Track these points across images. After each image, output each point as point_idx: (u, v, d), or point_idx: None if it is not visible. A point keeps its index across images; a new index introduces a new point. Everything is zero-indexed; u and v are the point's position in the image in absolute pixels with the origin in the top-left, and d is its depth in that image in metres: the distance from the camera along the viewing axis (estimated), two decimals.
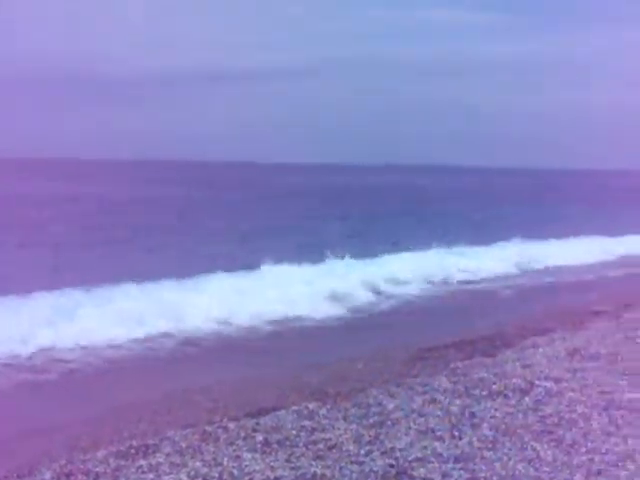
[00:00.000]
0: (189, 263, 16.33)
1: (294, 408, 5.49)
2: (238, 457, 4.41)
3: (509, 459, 4.30)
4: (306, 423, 5.06)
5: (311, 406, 5.50)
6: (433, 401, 5.54)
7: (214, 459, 4.40)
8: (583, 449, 4.38)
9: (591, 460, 4.20)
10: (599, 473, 4.03)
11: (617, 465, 4.11)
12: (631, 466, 4.08)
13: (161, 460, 4.42)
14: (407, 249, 18.62)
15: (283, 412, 5.40)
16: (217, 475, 4.16)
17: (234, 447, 4.61)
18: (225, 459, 4.38)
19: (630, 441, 4.43)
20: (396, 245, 20.46)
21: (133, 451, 4.66)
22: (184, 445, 4.70)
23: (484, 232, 24.10)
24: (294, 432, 4.86)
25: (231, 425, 5.13)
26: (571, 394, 5.51)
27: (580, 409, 5.12)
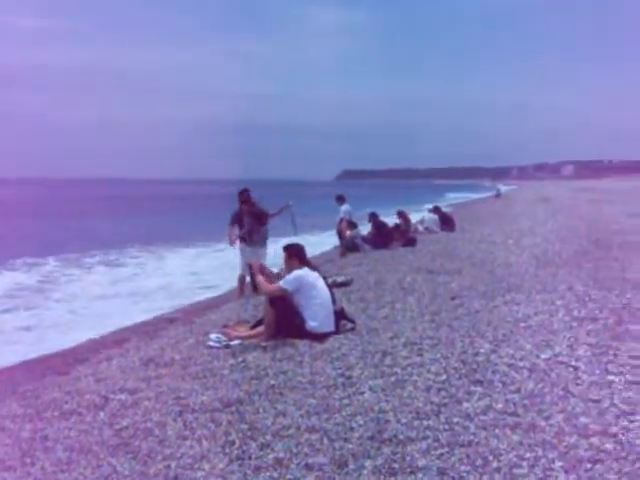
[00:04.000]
0: None
1: None
2: None
3: (85, 478, 4.41)
4: None
5: None
6: (2, 429, 5.39)
7: None
8: (159, 457, 4.66)
9: (168, 467, 4.49)
10: (176, 478, 4.34)
11: (193, 468, 4.47)
12: (206, 466, 4.48)
13: None
14: None
15: None
16: None
17: None
18: None
19: (205, 442, 4.86)
20: None
21: None
22: None
23: None
24: None
25: None
26: (147, 403, 5.80)
27: (156, 417, 5.43)
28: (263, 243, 13.30)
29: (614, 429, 4.72)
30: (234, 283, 13.56)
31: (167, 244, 26.90)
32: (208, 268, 20.31)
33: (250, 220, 13.08)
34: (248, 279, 12.63)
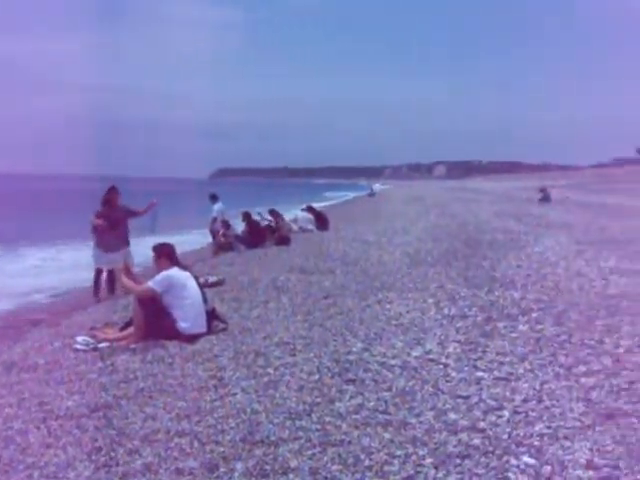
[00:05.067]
0: None
1: None
2: None
3: None
4: None
5: None
6: None
7: None
8: (21, 466, 4.49)
9: (30, 476, 4.34)
10: None
11: (57, 476, 4.31)
12: (72, 474, 4.33)
13: None
14: None
15: None
16: None
17: None
18: None
19: (70, 450, 4.71)
20: None
21: None
22: None
23: None
24: None
25: None
26: (8, 410, 5.58)
27: (17, 425, 5.23)
28: (121, 245, 13.03)
29: (482, 424, 4.91)
30: (87, 284, 13.38)
31: (15, 243, 25.25)
32: (57, 268, 19.65)
33: (108, 222, 12.79)
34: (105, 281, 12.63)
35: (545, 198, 38.88)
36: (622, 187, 65.08)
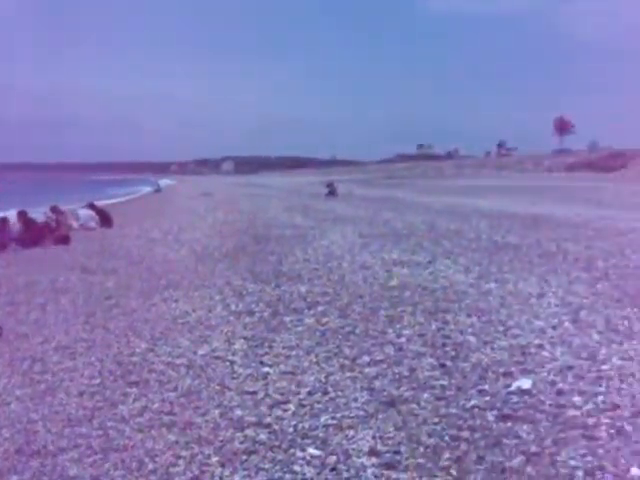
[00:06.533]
0: None
1: None
2: None
3: None
4: None
5: None
6: None
7: None
8: None
9: None
10: None
11: None
12: None
13: None
14: None
15: None
16: None
17: None
18: None
19: None
20: None
21: None
22: None
23: None
24: None
25: None
26: None
27: None
28: None
29: (268, 419, 5.00)
30: None
31: None
32: None
33: None
34: None
35: (332, 193, 40.14)
36: (405, 182, 68.66)
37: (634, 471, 3.99)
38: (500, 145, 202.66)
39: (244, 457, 4.40)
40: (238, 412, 5.15)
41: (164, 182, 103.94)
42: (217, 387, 5.73)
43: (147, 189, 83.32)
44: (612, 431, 4.53)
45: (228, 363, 6.38)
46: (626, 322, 7.22)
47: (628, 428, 4.56)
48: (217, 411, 5.19)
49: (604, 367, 5.81)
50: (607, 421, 4.70)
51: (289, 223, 21.38)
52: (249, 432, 4.78)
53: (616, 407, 4.93)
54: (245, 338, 7.24)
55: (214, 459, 4.39)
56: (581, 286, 9.25)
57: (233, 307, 8.78)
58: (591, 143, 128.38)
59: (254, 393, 5.55)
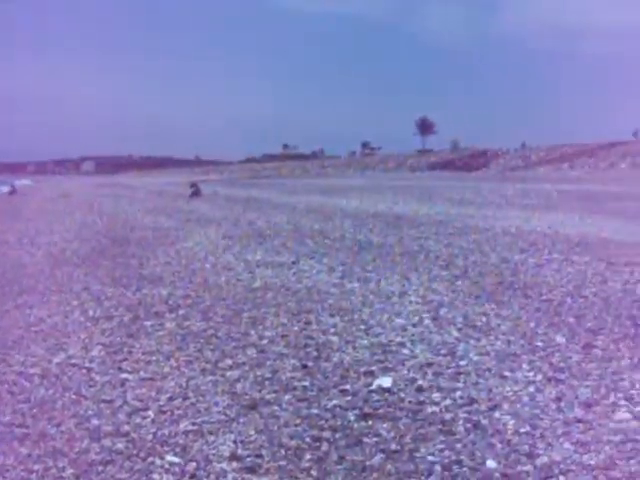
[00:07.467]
0: None
1: None
2: None
3: None
4: None
5: None
6: None
7: None
8: None
9: None
10: None
11: None
12: None
13: None
14: None
15: None
16: None
17: None
18: None
19: None
20: None
21: None
22: None
23: None
24: None
25: None
26: None
27: None
28: None
29: (126, 427, 4.90)
30: None
31: None
32: None
33: None
34: None
35: (196, 193, 39.74)
36: (270, 182, 68.90)
37: (489, 463, 4.15)
38: (364, 145, 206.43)
39: (100, 468, 4.30)
40: (95, 421, 5.02)
41: (20, 183, 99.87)
42: (73, 396, 5.56)
43: (1, 190, 79.93)
44: (469, 425, 4.71)
45: (85, 371, 6.21)
46: (484, 318, 7.52)
47: (484, 422, 4.75)
48: (72, 421, 5.03)
49: (462, 363, 6.02)
50: (464, 416, 4.88)
51: (151, 225, 21.01)
52: (106, 442, 4.67)
53: (473, 402, 5.12)
54: (103, 344, 7.07)
55: (69, 471, 4.26)
56: (441, 284, 9.56)
57: (91, 312, 8.55)
58: (453, 143, 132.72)
59: (111, 401, 5.43)
